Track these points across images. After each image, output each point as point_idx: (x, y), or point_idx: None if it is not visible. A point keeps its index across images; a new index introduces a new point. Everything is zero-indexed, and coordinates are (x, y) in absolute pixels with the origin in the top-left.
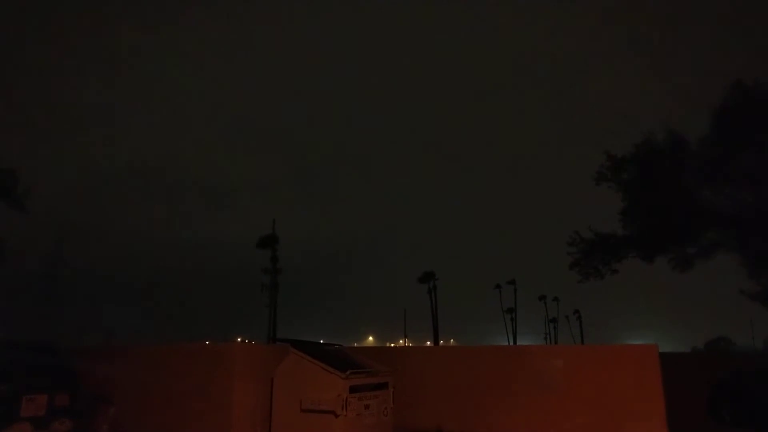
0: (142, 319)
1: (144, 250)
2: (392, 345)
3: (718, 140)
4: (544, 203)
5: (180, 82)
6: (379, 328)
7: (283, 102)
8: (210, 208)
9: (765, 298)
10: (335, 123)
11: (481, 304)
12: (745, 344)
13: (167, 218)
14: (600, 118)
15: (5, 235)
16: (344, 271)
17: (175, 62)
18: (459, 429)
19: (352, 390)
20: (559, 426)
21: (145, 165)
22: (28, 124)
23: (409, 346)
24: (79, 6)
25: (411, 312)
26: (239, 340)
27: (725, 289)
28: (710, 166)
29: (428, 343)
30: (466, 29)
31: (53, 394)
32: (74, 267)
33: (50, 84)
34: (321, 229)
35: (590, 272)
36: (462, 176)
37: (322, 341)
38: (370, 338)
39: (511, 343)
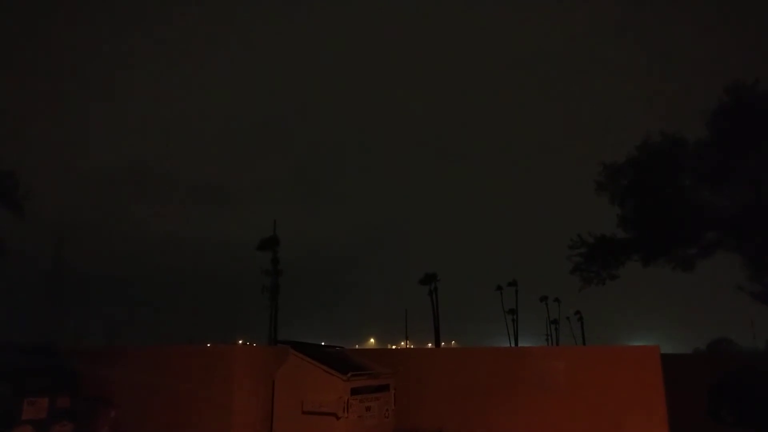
0: (142, 320)
1: (145, 251)
2: (393, 347)
3: (717, 141)
4: (545, 204)
5: (180, 81)
6: (380, 330)
7: (284, 102)
8: (211, 208)
9: (766, 297)
10: (336, 123)
11: (483, 306)
12: (747, 345)
13: (168, 219)
14: (600, 118)
15: (5, 236)
16: (345, 272)
17: (175, 62)
18: (460, 431)
19: (354, 392)
20: (561, 427)
21: (145, 165)
22: (29, 125)
23: (410, 348)
24: (79, 6)
25: (412, 313)
26: (240, 341)
27: (727, 290)
28: (709, 167)
29: (429, 344)
30: (467, 29)
31: (54, 396)
32: (74, 268)
33: (50, 84)
34: (322, 230)
35: (591, 278)
36: (463, 177)
37: (323, 343)
38: (372, 340)
39: (513, 345)
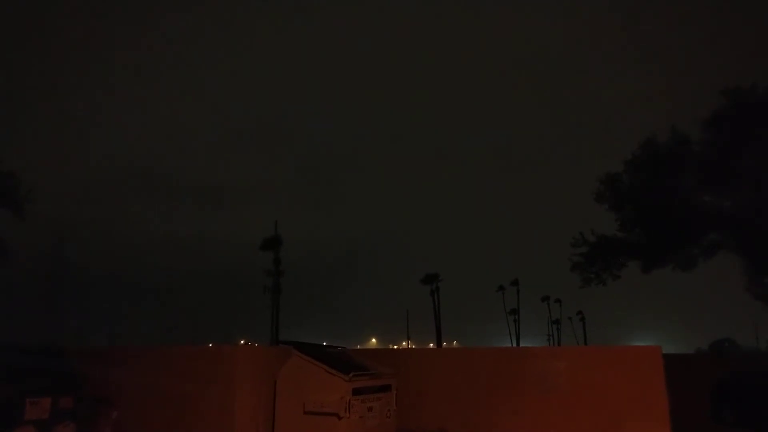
0: (143, 321)
1: (145, 251)
2: (395, 347)
3: (717, 142)
4: (546, 204)
5: (180, 81)
6: (382, 330)
7: (285, 102)
8: (212, 208)
9: None
10: (337, 123)
11: (484, 306)
12: (749, 345)
13: (169, 219)
14: (600, 119)
15: (6, 236)
16: (347, 272)
17: (175, 62)
18: (462, 431)
19: (355, 392)
20: (562, 427)
21: (145, 165)
22: (29, 125)
23: (412, 348)
24: (79, 6)
25: (414, 314)
26: (242, 342)
27: (729, 290)
28: (710, 168)
29: (431, 344)
30: (467, 30)
31: (57, 396)
32: (75, 268)
33: (50, 84)
34: (324, 230)
35: (591, 277)
36: (464, 177)
37: (325, 343)
38: (373, 340)
39: (514, 345)
